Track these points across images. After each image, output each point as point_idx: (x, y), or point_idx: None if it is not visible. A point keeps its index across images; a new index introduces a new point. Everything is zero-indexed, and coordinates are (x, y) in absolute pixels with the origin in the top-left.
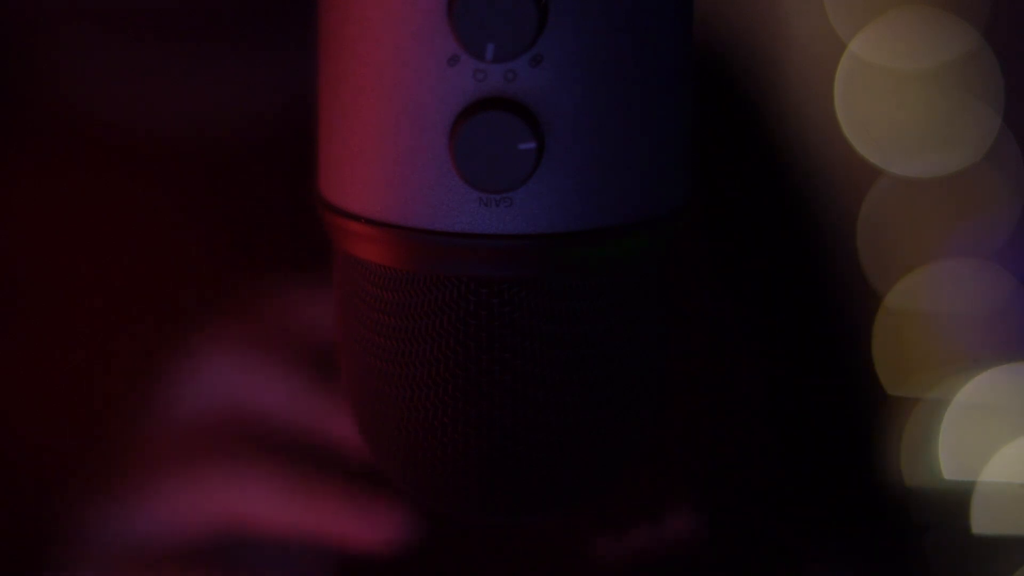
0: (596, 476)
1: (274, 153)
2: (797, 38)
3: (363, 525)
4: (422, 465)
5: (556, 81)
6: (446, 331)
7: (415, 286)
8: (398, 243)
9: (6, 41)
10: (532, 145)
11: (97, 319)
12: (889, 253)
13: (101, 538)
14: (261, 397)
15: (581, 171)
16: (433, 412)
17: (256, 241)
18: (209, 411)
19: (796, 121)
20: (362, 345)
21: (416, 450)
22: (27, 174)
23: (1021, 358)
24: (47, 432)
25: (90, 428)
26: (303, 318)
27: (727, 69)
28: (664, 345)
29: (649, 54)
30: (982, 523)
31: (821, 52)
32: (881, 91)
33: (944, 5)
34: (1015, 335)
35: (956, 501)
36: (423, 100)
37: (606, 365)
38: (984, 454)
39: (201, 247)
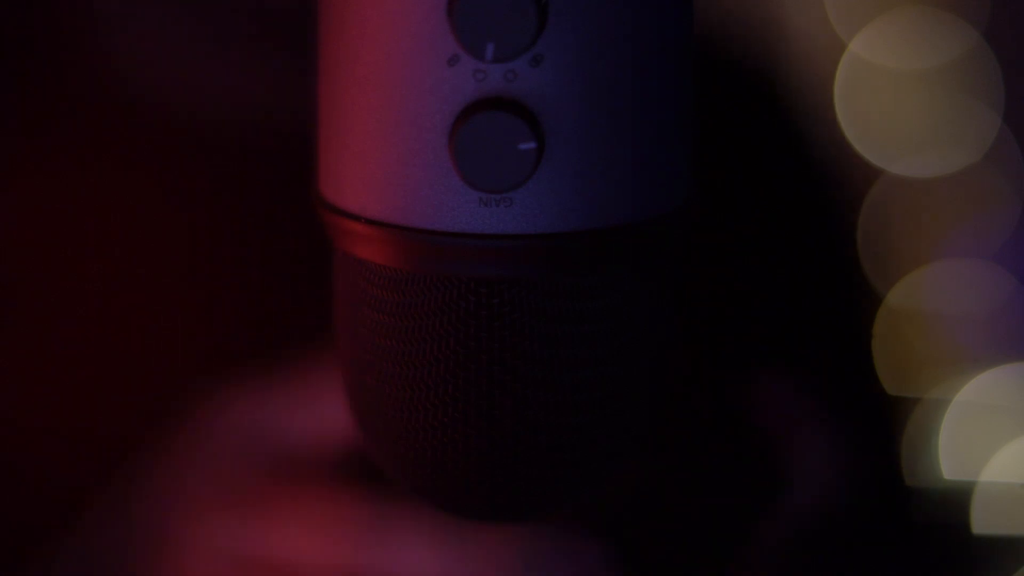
0: (597, 474)
1: (276, 153)
2: (797, 38)
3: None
4: (422, 465)
5: (556, 81)
6: (446, 331)
7: (415, 286)
8: (398, 243)
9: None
10: (532, 145)
11: (97, 318)
12: (889, 253)
13: None
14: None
15: (581, 171)
16: (433, 412)
17: (256, 241)
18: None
19: (796, 121)
20: (362, 345)
21: (416, 450)
22: (28, 171)
23: (1021, 358)
24: (47, 432)
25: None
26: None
27: (727, 68)
28: (667, 344)
29: (649, 54)
30: (982, 523)
31: (821, 52)
32: (881, 91)
33: (944, 5)
34: (1015, 335)
35: (956, 501)
36: (423, 100)
37: (607, 365)
38: (984, 454)
39: (203, 247)
